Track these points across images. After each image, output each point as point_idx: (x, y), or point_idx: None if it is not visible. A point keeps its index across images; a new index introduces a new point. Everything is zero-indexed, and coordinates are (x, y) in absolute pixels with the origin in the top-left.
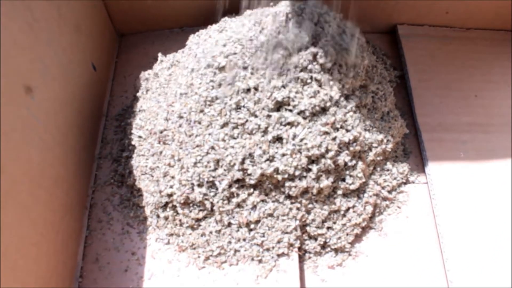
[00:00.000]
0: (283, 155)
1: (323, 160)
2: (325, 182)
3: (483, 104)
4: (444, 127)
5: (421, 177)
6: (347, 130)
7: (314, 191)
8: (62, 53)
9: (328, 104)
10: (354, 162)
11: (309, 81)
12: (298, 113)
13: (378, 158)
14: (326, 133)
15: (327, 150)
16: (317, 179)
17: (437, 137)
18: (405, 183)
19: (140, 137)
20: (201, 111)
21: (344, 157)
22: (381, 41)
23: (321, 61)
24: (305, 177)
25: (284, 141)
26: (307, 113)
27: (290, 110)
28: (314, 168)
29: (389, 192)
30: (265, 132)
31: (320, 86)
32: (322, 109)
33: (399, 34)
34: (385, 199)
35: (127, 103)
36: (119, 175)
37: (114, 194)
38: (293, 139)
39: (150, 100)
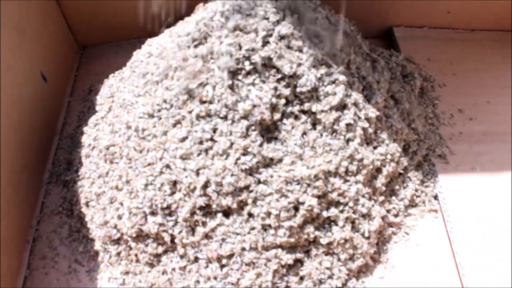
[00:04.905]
0: (266, 196)
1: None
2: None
3: (497, 111)
4: (455, 137)
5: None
6: (356, 159)
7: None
8: None
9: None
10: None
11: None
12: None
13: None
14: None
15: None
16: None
17: (446, 150)
18: (413, 205)
19: (87, 156)
20: (151, 115)
21: (354, 189)
22: (375, 46)
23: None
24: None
25: (270, 173)
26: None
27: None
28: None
29: (396, 216)
30: (242, 156)
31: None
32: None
33: (396, 37)
34: (391, 225)
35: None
36: (68, 203)
37: (63, 224)
38: (278, 176)
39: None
